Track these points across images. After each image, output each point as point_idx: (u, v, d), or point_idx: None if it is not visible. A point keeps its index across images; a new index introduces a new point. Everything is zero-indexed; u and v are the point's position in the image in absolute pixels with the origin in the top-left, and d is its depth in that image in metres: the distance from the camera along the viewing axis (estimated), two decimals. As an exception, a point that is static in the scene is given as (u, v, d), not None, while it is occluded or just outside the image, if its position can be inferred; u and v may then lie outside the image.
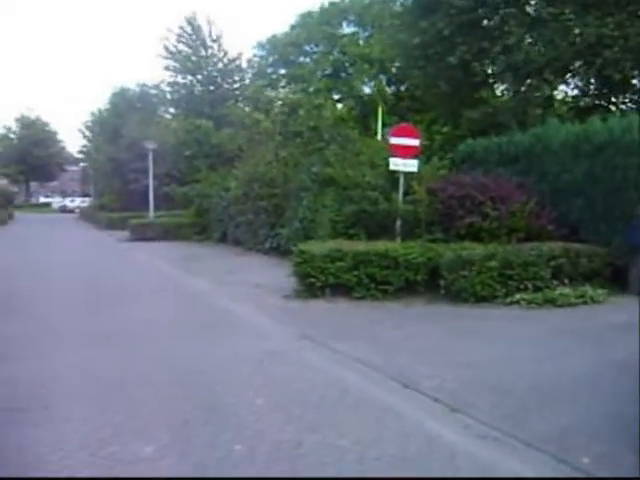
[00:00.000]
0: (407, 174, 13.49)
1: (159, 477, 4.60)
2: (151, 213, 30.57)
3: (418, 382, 6.52)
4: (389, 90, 37.48)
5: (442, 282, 11.33)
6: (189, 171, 32.51)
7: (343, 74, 38.90)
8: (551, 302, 10.80)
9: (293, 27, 43.30)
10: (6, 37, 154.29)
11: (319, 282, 11.55)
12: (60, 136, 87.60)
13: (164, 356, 7.84)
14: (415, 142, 13.33)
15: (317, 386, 6.53)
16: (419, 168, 13.61)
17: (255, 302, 11.68)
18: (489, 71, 20.75)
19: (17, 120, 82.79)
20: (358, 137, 17.70)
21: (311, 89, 31.14)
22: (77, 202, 70.83)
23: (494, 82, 21.73)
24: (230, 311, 11.04)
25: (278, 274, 14.45)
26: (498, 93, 23.18)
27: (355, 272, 11.52)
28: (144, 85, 50.90)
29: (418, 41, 20.19)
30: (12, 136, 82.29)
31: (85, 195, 71.35)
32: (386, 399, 6.13)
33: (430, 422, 5.51)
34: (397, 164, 13.27)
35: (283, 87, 41.25)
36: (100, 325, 9.64)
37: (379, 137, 20.31)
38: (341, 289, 11.59)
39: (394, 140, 13.35)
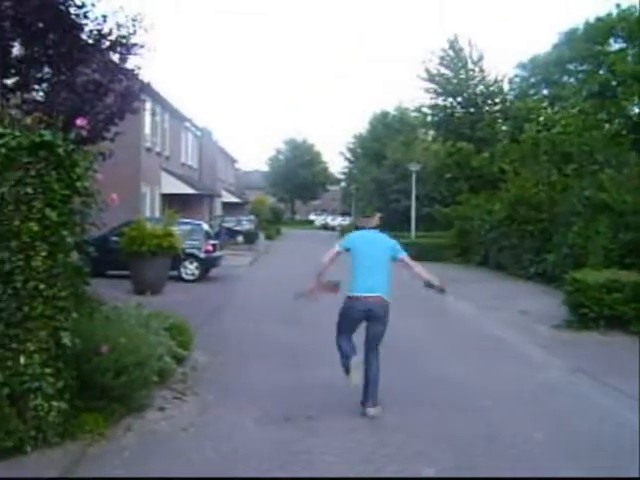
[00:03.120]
0: (695, 201, 12.46)
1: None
2: (413, 233, 31.10)
3: None
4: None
5: None
6: (449, 193, 32.78)
7: (609, 93, 36.69)
8: None
9: (556, 46, 41.81)
10: (278, 67, 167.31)
11: (593, 313, 11.07)
12: (323, 157, 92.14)
13: (438, 378, 8.02)
14: None
15: (593, 423, 6.34)
16: None
17: (523, 330, 11.49)
18: None
19: (286, 142, 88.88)
20: (637, 160, 16.64)
21: (574, 110, 29.71)
22: (338, 220, 74.56)
23: None
24: (498, 337, 10.98)
25: (545, 301, 14.12)
26: None
27: (634, 304, 10.88)
28: (405, 108, 52.20)
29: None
30: (281, 157, 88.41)
31: (344, 214, 74.71)
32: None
33: None
34: (684, 190, 12.32)
35: (545, 108, 39.84)
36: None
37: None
38: (616, 322, 11.02)
39: (682, 164, 12.41)
